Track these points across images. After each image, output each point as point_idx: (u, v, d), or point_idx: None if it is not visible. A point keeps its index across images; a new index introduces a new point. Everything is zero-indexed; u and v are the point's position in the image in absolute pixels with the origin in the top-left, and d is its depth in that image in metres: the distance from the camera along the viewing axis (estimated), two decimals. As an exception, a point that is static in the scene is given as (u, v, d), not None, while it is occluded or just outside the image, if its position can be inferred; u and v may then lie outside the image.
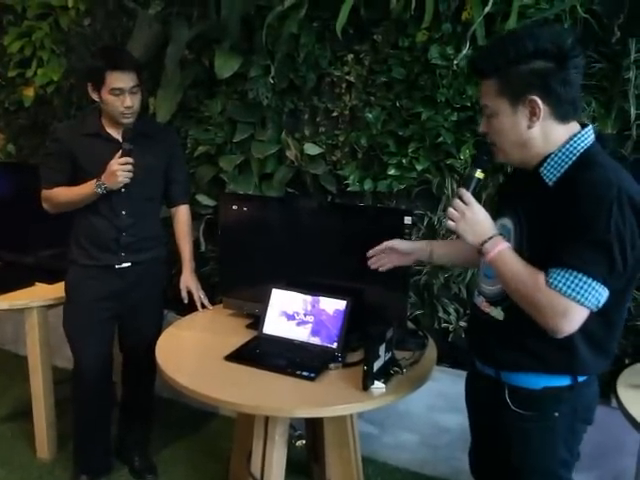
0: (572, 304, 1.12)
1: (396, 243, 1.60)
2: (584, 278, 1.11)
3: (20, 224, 2.60)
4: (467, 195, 1.25)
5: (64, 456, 2.40)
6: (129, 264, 2.08)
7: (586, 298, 1.11)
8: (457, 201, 1.25)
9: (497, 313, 1.30)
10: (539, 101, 1.16)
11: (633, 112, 1.84)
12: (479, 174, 1.28)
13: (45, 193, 2.04)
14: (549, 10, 1.86)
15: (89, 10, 2.87)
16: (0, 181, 2.75)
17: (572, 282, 1.11)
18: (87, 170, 1.98)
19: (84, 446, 2.22)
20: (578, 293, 1.11)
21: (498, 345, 1.30)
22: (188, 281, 2.20)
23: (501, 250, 1.21)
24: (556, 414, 1.26)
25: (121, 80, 1.90)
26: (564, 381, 1.25)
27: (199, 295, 2.18)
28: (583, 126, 1.23)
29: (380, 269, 1.63)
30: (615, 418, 1.64)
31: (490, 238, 1.22)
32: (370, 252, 1.63)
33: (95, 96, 1.96)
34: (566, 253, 1.13)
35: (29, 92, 3.08)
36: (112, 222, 2.03)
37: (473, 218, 1.23)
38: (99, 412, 2.19)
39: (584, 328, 1.18)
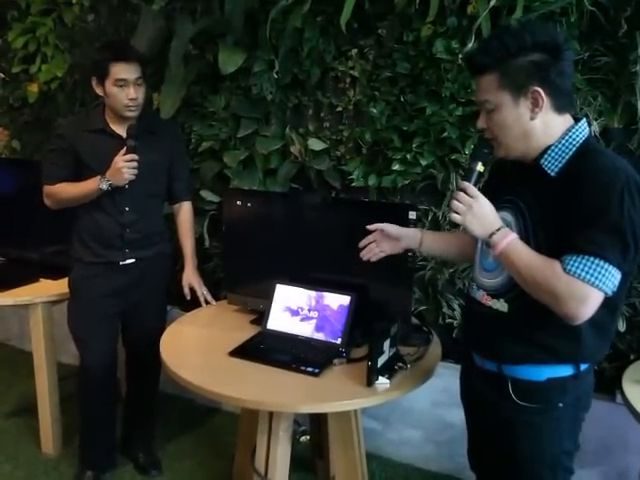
0: (591, 289, 1.13)
1: (386, 226, 1.58)
2: (601, 263, 1.13)
3: (24, 220, 2.61)
4: (472, 188, 1.25)
5: (69, 452, 2.41)
6: (133, 260, 2.08)
7: (604, 283, 1.13)
8: (462, 194, 1.24)
9: (500, 305, 1.30)
10: (542, 92, 1.18)
11: (640, 106, 1.82)
12: (480, 167, 1.28)
13: (47, 189, 2.04)
14: (555, 3, 1.84)
15: (93, 6, 2.86)
16: (5, 177, 2.76)
17: (590, 267, 1.13)
18: (91, 166, 1.98)
19: (89, 442, 2.23)
20: (597, 278, 1.13)
21: (501, 338, 1.30)
22: (190, 278, 2.20)
23: (511, 241, 1.21)
24: (560, 405, 1.27)
25: (125, 71, 1.91)
26: (568, 371, 1.27)
27: (202, 291, 2.18)
28: (576, 120, 1.26)
29: (372, 259, 1.60)
30: (620, 414, 1.63)
31: (498, 230, 1.22)
32: (361, 243, 1.61)
33: (100, 90, 1.97)
34: (581, 240, 1.14)
35: (33, 88, 3.08)
36: (116, 219, 2.03)
37: (480, 211, 1.23)
38: (105, 408, 2.19)
39: (592, 316, 1.19)
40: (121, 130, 2.01)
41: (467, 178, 1.27)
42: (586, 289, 1.13)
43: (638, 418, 1.50)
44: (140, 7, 2.59)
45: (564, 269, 1.14)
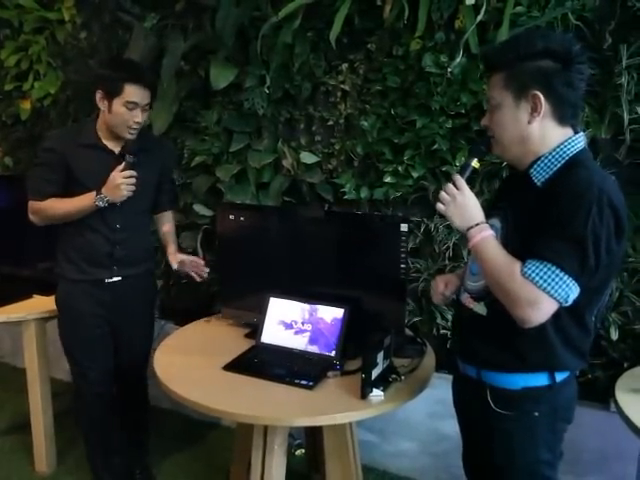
0: (542, 295, 1.15)
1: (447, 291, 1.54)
2: (557, 271, 1.14)
3: (17, 236, 2.60)
4: (460, 181, 1.28)
5: (63, 470, 2.40)
6: (119, 278, 2.04)
7: (556, 290, 1.14)
8: (450, 185, 1.28)
9: (480, 308, 1.32)
10: (541, 97, 1.20)
11: (626, 117, 1.85)
12: (475, 163, 1.32)
13: (35, 205, 1.97)
14: (541, 18, 1.87)
15: (85, 23, 2.89)
16: (-3, 194, 2.76)
17: (545, 273, 1.14)
18: (82, 182, 1.94)
19: (101, 465, 2.20)
20: (549, 285, 1.14)
21: (479, 341, 1.32)
22: (178, 254, 2.12)
23: (485, 237, 1.23)
24: (536, 414, 1.28)
25: (139, 95, 1.88)
26: (542, 381, 1.28)
27: (194, 258, 2.11)
28: (576, 132, 1.27)
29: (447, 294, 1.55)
30: (614, 423, 1.63)
31: (477, 225, 1.25)
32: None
33: (103, 105, 1.91)
34: (543, 246, 1.16)
35: (26, 105, 3.09)
36: (106, 236, 1.99)
37: (463, 203, 1.26)
38: (106, 425, 2.17)
39: (557, 325, 1.22)
40: (114, 146, 1.98)
41: (461, 172, 1.31)
42: (537, 294, 1.15)
43: (631, 427, 1.50)
44: (132, 24, 2.61)
45: (521, 271, 1.16)
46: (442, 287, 1.53)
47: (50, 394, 2.40)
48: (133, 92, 1.87)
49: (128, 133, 1.93)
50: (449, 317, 2.22)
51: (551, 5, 1.87)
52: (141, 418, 2.32)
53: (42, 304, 2.38)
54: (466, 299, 1.37)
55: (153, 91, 1.95)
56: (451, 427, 2.18)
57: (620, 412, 1.56)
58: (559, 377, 1.28)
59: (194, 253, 2.62)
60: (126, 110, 1.88)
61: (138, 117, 1.90)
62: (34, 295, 2.45)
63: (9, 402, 2.94)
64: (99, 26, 2.85)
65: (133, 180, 1.89)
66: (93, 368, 2.08)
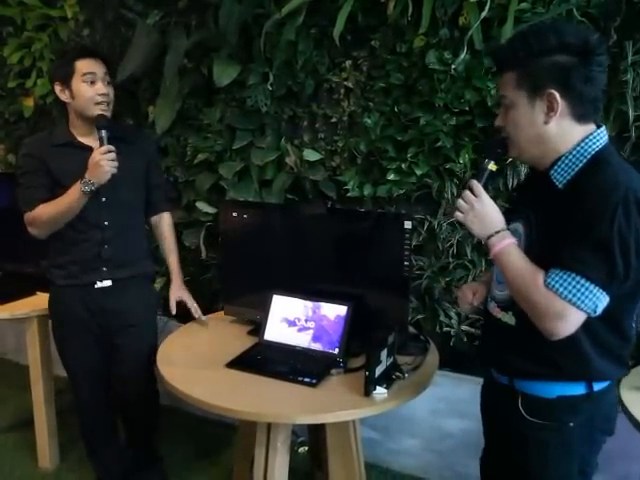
0: (568, 306, 1.10)
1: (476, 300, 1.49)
2: (582, 281, 1.09)
3: (20, 233, 2.60)
4: (478, 187, 1.23)
5: (66, 466, 2.40)
6: (110, 282, 1.96)
7: (582, 301, 1.09)
8: (467, 193, 1.22)
9: (508, 318, 1.28)
10: (557, 96, 1.13)
11: (631, 114, 1.84)
12: (492, 166, 1.26)
13: (29, 216, 1.90)
14: (545, 14, 1.86)
15: (88, 20, 2.88)
16: (0, 191, 2.76)
17: (569, 284, 1.09)
18: (63, 183, 1.85)
19: (98, 461, 2.20)
20: (574, 296, 1.09)
21: (510, 351, 1.27)
22: (180, 292, 2.13)
23: (506, 245, 1.19)
24: (571, 424, 1.22)
25: (92, 65, 1.84)
26: (579, 389, 1.22)
27: (194, 305, 2.12)
28: (598, 127, 1.19)
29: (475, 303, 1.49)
30: (619, 421, 1.62)
31: (497, 232, 1.20)
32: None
33: (65, 96, 1.87)
34: (567, 255, 1.10)
35: (29, 102, 3.09)
36: (94, 235, 1.92)
37: (482, 211, 1.21)
38: (99, 428, 2.17)
39: (591, 334, 1.16)
40: (90, 141, 1.90)
41: (478, 177, 1.26)
42: (563, 306, 1.10)
43: (636, 425, 1.49)
44: (135, 22, 2.61)
45: (545, 282, 1.12)
46: (470, 297, 1.47)
47: (53, 391, 2.41)
48: (85, 64, 1.84)
49: (99, 109, 1.86)
50: (452, 315, 2.22)
51: (556, 1, 1.86)
52: (150, 422, 2.24)
53: (45, 301, 2.36)
54: (494, 308, 1.33)
55: (107, 63, 1.90)
56: (454, 425, 2.19)
57: (625, 411, 1.55)
58: (597, 386, 1.22)
59: (197, 251, 2.62)
60: (86, 86, 1.84)
61: (101, 89, 1.85)
62: (37, 292, 2.45)
63: (12, 399, 2.95)
64: (102, 23, 2.85)
65: (113, 155, 1.79)
66: (83, 373, 2.06)
